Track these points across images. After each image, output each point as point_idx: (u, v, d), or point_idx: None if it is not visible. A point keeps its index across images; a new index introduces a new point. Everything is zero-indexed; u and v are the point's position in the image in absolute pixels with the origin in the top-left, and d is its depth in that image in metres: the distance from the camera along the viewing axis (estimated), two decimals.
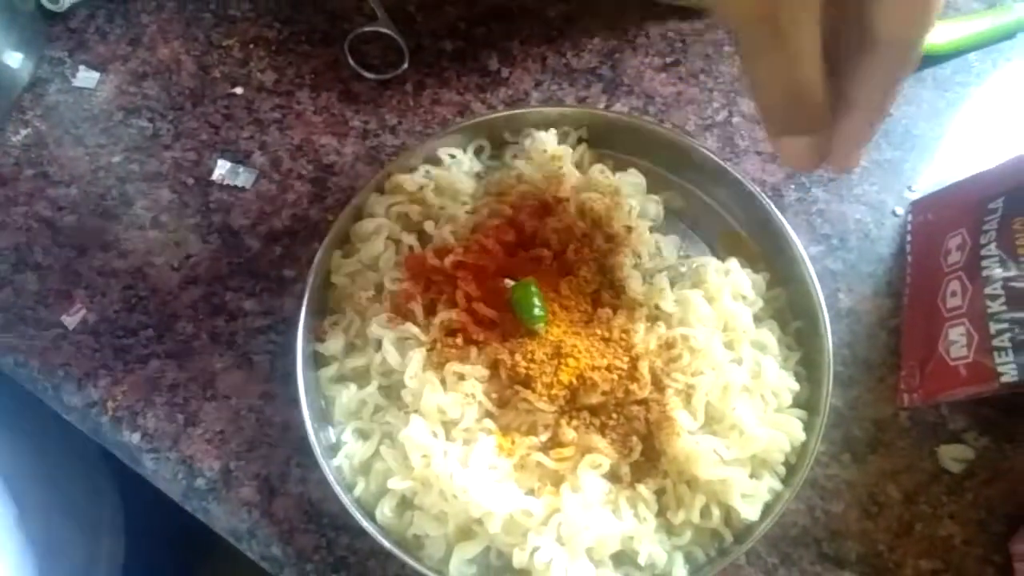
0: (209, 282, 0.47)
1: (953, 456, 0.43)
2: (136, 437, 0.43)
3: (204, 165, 0.50)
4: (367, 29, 0.54)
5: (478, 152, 0.49)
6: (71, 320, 0.46)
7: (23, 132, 0.51)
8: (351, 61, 0.53)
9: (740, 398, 0.41)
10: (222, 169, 0.50)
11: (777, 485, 0.41)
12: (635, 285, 0.44)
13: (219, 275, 0.47)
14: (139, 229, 0.48)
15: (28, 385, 0.45)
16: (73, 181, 0.49)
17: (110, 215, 0.48)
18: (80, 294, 0.46)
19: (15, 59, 0.51)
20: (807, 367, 0.44)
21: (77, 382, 0.44)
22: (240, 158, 0.50)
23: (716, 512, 0.40)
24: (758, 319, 0.44)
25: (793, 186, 0.50)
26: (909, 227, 0.48)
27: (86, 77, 0.52)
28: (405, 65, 0.53)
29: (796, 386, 0.42)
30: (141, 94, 0.52)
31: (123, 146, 0.50)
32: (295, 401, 0.41)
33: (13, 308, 0.46)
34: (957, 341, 0.42)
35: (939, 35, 0.52)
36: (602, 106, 0.52)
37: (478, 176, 0.49)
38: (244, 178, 0.49)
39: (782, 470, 0.41)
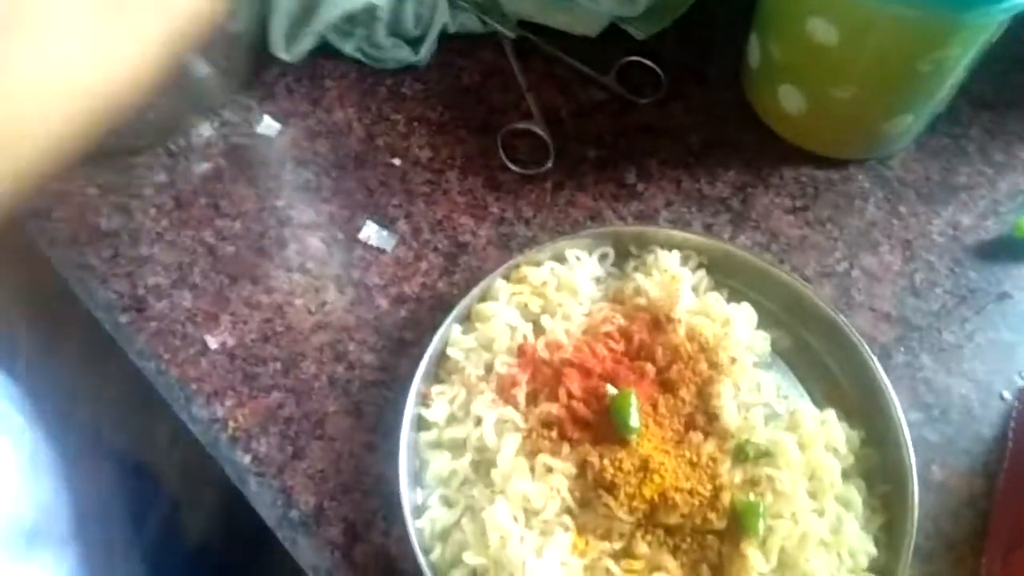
0: (337, 330, 0.51)
1: None
2: (248, 459, 0.47)
3: (354, 223, 0.55)
4: (520, 126, 0.58)
5: (602, 258, 0.52)
6: (213, 340, 0.51)
7: (205, 165, 0.57)
8: (501, 152, 0.57)
9: (816, 551, 0.41)
10: (369, 230, 0.54)
11: None
12: (730, 416, 0.45)
13: (347, 326, 0.51)
14: (287, 270, 0.53)
15: (163, 392, 0.50)
16: (239, 216, 0.55)
17: (265, 253, 0.54)
18: (225, 318, 0.51)
19: (215, 80, 0.58)
20: (888, 533, 0.44)
21: (207, 397, 0.49)
22: (386, 223, 0.55)
23: None
24: (846, 475, 0.45)
25: (903, 349, 0.51)
26: (1014, 413, 0.48)
27: (268, 126, 0.59)
28: (549, 164, 0.57)
29: (874, 551, 0.43)
30: (312, 150, 0.58)
31: (288, 193, 0.56)
32: (393, 457, 0.44)
33: (166, 320, 0.51)
34: None
35: None
36: (727, 236, 0.55)
37: (598, 280, 0.52)
38: (386, 241, 0.54)
39: None
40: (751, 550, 0.41)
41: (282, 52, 0.59)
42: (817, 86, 0.53)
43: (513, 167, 0.57)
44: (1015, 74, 0.59)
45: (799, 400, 0.48)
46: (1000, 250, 0.54)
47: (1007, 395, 0.49)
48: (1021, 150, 0.58)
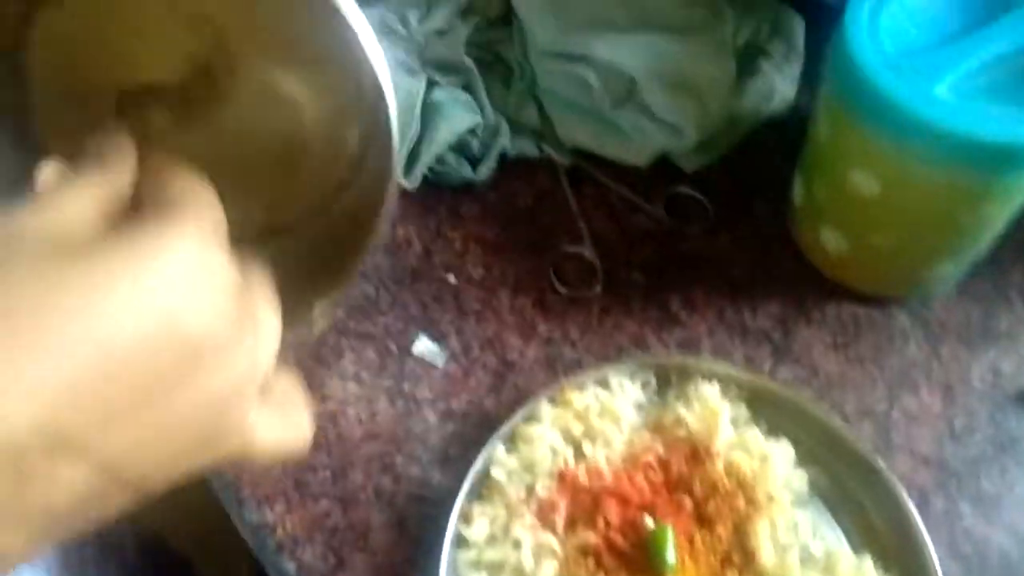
0: (386, 442, 0.53)
1: None
2: (293, 567, 0.49)
3: (407, 336, 0.58)
4: (571, 249, 0.61)
5: (644, 385, 0.54)
6: None
7: None
8: (551, 274, 0.60)
9: None
10: (421, 344, 0.57)
11: None
12: (767, 556, 0.46)
13: (396, 438, 0.53)
14: (341, 379, 0.56)
15: (218, 492, 0.52)
16: None
17: (323, 361, 0.56)
18: None
19: None
20: None
21: (258, 502, 0.51)
22: (438, 337, 0.58)
23: None
24: None
25: (942, 495, 0.51)
26: None
27: None
28: (598, 288, 0.59)
29: None
30: (373, 264, 0.61)
31: (348, 305, 0.59)
32: (434, 574, 0.45)
33: None
34: None
35: None
36: (767, 368, 0.56)
37: (639, 407, 0.53)
38: (438, 357, 0.57)
39: None
40: None
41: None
42: (858, 232, 0.55)
43: (562, 289, 0.60)
44: None
45: (835, 542, 0.49)
46: None
47: None
48: None
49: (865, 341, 0.57)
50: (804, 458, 0.51)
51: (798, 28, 0.67)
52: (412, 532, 0.50)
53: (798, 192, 0.59)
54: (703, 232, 0.63)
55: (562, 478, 0.49)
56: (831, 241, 0.57)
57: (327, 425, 0.54)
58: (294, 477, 0.52)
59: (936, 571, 0.45)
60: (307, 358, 0.56)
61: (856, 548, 0.48)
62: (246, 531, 0.51)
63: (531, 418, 0.52)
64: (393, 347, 0.57)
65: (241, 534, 0.51)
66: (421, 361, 0.57)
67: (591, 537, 0.46)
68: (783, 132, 0.65)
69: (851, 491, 0.51)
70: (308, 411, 0.30)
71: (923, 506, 0.50)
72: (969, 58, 0.46)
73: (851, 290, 0.59)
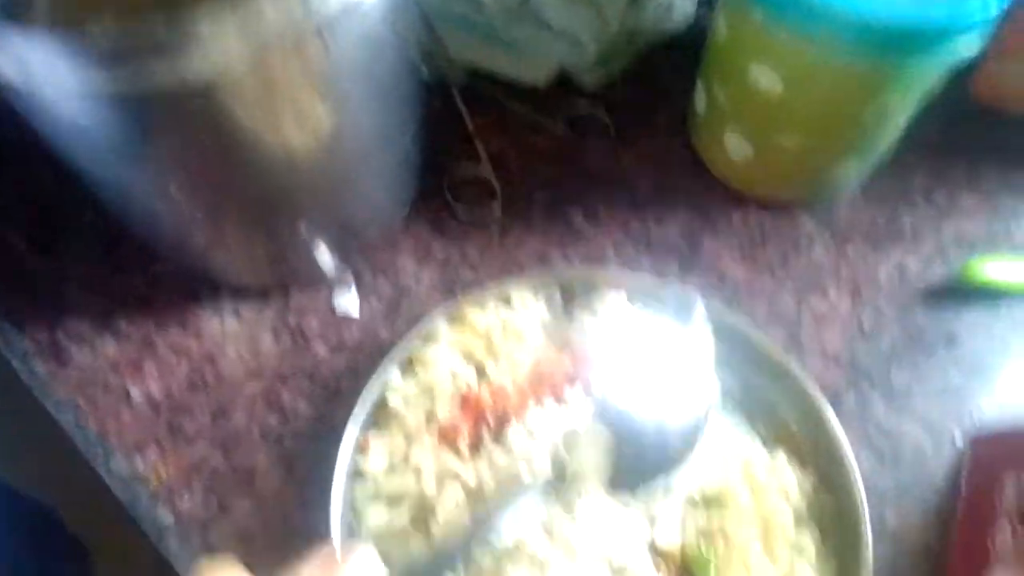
0: (271, 379, 0.49)
1: None
2: (170, 517, 0.44)
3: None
4: (468, 171, 0.57)
5: (549, 301, 0.51)
6: (136, 391, 0.48)
7: None
8: (448, 196, 0.56)
9: None
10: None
11: None
12: None
13: (281, 374, 0.49)
14: (219, 316, 0.51)
15: (80, 445, 0.46)
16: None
17: (195, 296, 0.51)
18: (151, 367, 0.49)
19: None
20: None
21: (127, 451, 0.46)
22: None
23: None
24: (799, 521, 0.43)
25: (854, 392, 0.50)
26: (966, 460, 0.47)
27: None
28: (497, 209, 0.56)
29: None
30: None
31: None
32: (326, 511, 0.41)
33: (88, 369, 0.48)
34: None
35: (1018, 274, 0.53)
36: (675, 280, 0.54)
37: (544, 325, 0.50)
38: (325, 286, 0.52)
39: None
40: None
41: None
42: (762, 133, 0.53)
43: (460, 210, 0.56)
44: (959, 122, 0.60)
45: (750, 444, 0.47)
46: (948, 294, 0.54)
47: (959, 441, 0.48)
48: (965, 197, 0.58)
49: (772, 247, 0.56)
50: (716, 363, 0.49)
51: None
52: (302, 472, 0.46)
53: (700, 100, 0.57)
54: (605, 149, 0.60)
55: (465, 401, 0.45)
56: (735, 147, 0.55)
57: (204, 365, 0.49)
58: (167, 422, 0.47)
59: (852, 465, 0.44)
60: (178, 295, 0.51)
61: (770, 448, 0.46)
62: (115, 483, 0.45)
63: (428, 339, 0.48)
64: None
65: (111, 489, 0.45)
66: (308, 292, 0.52)
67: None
68: (683, 49, 0.62)
69: (763, 394, 0.49)
70: None
71: (836, 404, 0.48)
72: None
73: (756, 198, 0.57)
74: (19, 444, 0.53)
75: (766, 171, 0.56)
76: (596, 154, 0.59)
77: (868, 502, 0.42)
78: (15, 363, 0.49)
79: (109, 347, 0.49)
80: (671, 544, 0.40)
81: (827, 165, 0.54)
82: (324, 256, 0.49)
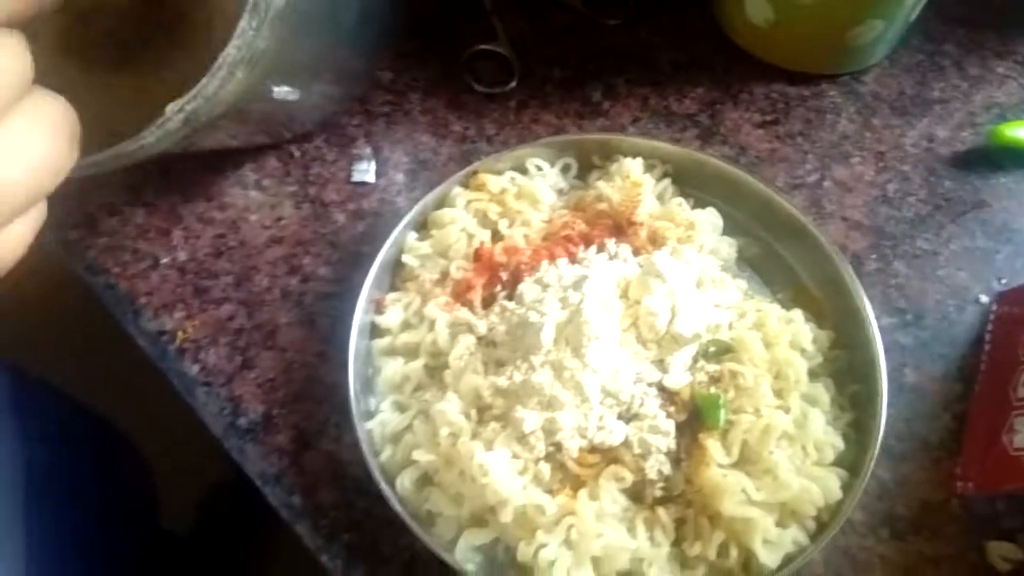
0: (292, 245, 0.50)
1: (1002, 554, 0.40)
2: (195, 369, 0.46)
3: (312, 141, 0.54)
4: (485, 47, 0.57)
5: (565, 169, 0.51)
6: (164, 256, 0.49)
7: None
8: (466, 73, 0.56)
9: (779, 443, 0.40)
10: (327, 149, 0.53)
11: (803, 539, 0.39)
12: None
13: (302, 240, 0.50)
14: (242, 188, 0.52)
15: (111, 306, 0.48)
16: None
17: (220, 171, 0.52)
18: (178, 234, 0.50)
19: None
20: (858, 431, 0.42)
21: (155, 310, 0.47)
22: (345, 142, 0.54)
23: (734, 552, 0.38)
24: (815, 374, 0.43)
25: (875, 256, 0.49)
26: (992, 316, 0.47)
27: None
28: (514, 84, 0.56)
29: (841, 444, 0.41)
30: None
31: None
32: (344, 364, 0.42)
33: (117, 235, 0.50)
34: (1021, 431, 0.39)
35: None
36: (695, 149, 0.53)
37: (560, 192, 0.50)
38: (345, 160, 0.53)
39: (812, 525, 0.39)
40: (711, 441, 0.39)
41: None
42: None
43: (477, 87, 0.56)
44: None
45: (766, 304, 0.46)
46: (976, 160, 0.52)
47: (984, 299, 0.47)
48: (996, 64, 0.56)
49: (795, 118, 0.55)
50: (735, 229, 0.49)
51: None
52: (322, 329, 0.47)
53: None
54: (624, 25, 0.59)
55: (478, 256, 0.46)
56: (756, 10, 0.53)
57: (227, 233, 0.50)
58: (193, 284, 0.48)
59: (870, 322, 0.43)
60: (202, 168, 0.52)
61: (788, 309, 0.46)
62: (144, 340, 0.47)
63: (443, 203, 0.48)
64: (296, 152, 0.53)
65: (142, 347, 0.47)
66: (328, 165, 0.53)
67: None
68: None
69: (784, 259, 0.48)
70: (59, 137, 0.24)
71: (857, 266, 0.48)
72: None
73: (780, 69, 0.56)
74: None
75: (789, 34, 0.54)
76: (615, 32, 0.58)
77: (887, 359, 0.42)
78: (48, 234, 0.51)
79: (138, 216, 0.51)
80: (680, 384, 0.40)
81: (850, 25, 0.52)
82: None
